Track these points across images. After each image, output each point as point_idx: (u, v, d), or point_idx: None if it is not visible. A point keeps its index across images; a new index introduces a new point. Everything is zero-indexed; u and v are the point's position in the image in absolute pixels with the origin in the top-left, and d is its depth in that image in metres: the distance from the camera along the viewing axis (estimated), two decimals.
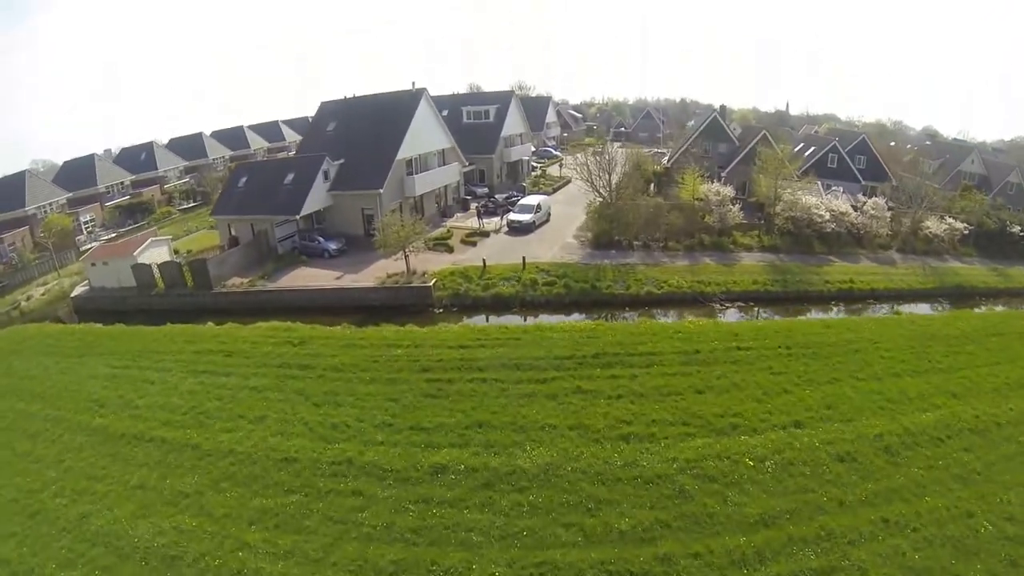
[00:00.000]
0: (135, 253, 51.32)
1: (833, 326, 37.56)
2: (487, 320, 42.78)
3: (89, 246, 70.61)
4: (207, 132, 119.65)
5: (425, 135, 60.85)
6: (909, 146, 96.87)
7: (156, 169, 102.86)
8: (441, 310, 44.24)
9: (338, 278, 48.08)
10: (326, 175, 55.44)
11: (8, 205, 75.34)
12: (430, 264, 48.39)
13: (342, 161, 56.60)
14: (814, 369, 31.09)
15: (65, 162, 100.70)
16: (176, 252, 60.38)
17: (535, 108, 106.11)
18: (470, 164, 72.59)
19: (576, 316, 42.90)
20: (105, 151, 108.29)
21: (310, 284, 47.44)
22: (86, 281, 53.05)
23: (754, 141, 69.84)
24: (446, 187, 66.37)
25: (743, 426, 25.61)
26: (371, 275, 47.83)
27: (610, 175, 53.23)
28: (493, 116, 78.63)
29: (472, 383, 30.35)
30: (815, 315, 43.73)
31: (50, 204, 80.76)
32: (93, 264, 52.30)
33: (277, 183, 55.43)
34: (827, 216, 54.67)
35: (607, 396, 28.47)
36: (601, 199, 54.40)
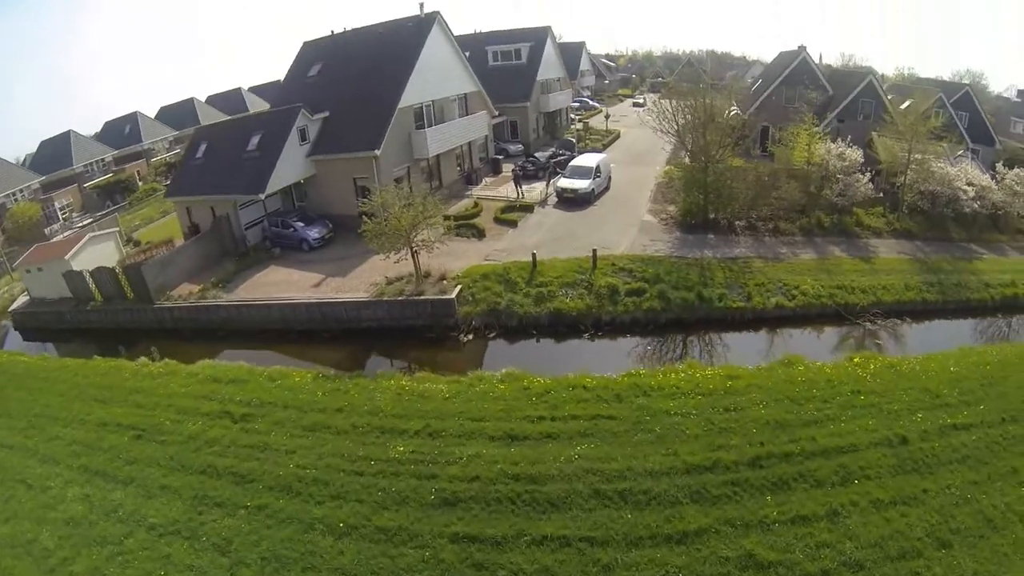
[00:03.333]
0: (67, 256, 36.41)
1: None
2: (538, 341, 27.20)
3: (60, 238, 54.85)
4: (201, 97, 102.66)
5: (440, 75, 42.93)
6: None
7: (141, 142, 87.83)
8: (470, 336, 27.42)
9: (317, 285, 31.45)
10: (303, 134, 38.14)
11: None
12: (451, 258, 31.37)
13: (326, 114, 39.26)
14: None
15: (41, 142, 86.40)
16: (137, 244, 45.62)
17: (567, 55, 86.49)
18: (499, 115, 54.57)
19: (677, 340, 27.26)
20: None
21: (278, 296, 30.84)
22: (27, 291, 38.69)
23: (857, 89, 51.07)
24: (470, 144, 48.22)
25: None
26: (365, 278, 31.17)
27: (705, 129, 35.06)
28: (526, 57, 60.15)
29: (542, 550, 14.79)
30: (978, 331, 29.84)
31: (20, 191, 69.93)
32: (28, 271, 37.76)
33: (239, 150, 38.38)
34: (971, 192, 38.17)
35: None
36: (691, 161, 36.51)
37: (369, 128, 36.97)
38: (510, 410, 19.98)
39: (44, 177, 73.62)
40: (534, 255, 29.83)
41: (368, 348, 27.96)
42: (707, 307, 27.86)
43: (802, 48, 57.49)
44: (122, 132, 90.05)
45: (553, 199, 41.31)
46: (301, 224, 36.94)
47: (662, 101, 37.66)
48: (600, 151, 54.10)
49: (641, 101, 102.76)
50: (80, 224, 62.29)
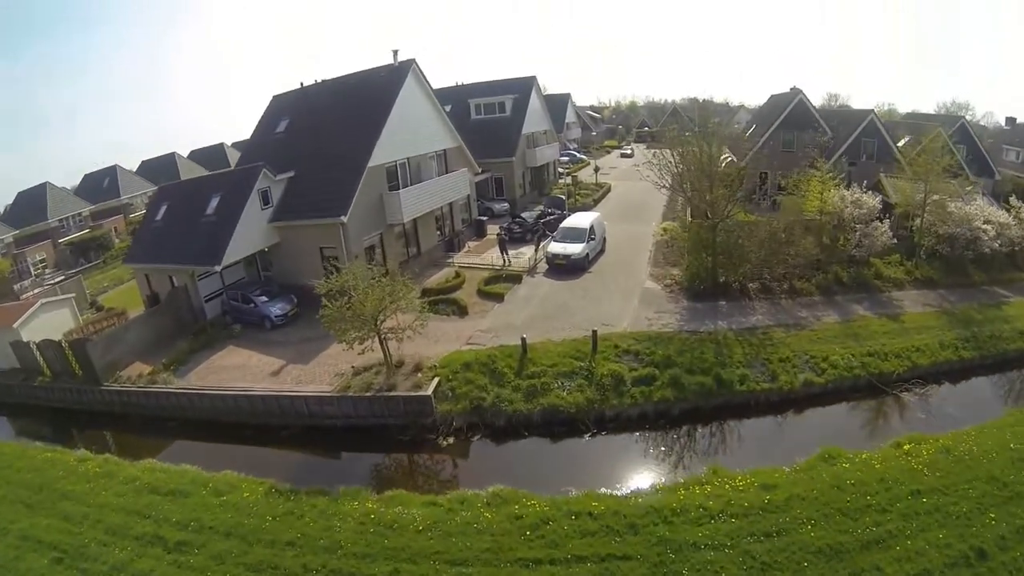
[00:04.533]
0: (16, 324, 32.82)
1: None
2: (529, 436, 22.88)
3: (31, 293, 50.79)
4: (183, 152, 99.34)
5: (416, 129, 38.73)
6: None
7: (119, 196, 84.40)
8: (451, 439, 22.90)
9: (276, 372, 27.12)
10: (265, 197, 34.11)
11: None
12: (428, 341, 26.88)
13: (291, 174, 35.31)
14: None
15: (18, 193, 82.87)
16: (100, 310, 41.93)
17: (553, 107, 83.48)
18: (483, 171, 50.88)
19: (695, 436, 22.88)
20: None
21: (232, 385, 26.54)
22: None
23: (859, 128, 48.21)
24: (451, 205, 43.82)
25: None
26: (329, 366, 26.96)
27: (712, 183, 31.31)
28: (510, 109, 56.81)
29: None
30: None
31: None
32: None
33: (198, 213, 34.46)
34: (991, 231, 34.68)
35: None
36: (694, 219, 33.20)
37: (336, 191, 32.90)
38: (499, 549, 15.88)
39: (18, 231, 70.36)
40: (523, 340, 25.49)
41: (331, 452, 23.82)
42: (727, 392, 23.77)
43: (798, 90, 54.60)
44: (100, 185, 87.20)
45: (543, 265, 37.23)
46: (263, 299, 32.67)
47: (663, 152, 33.79)
48: (591, 208, 50.67)
49: (628, 152, 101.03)
50: (51, 282, 58.33)
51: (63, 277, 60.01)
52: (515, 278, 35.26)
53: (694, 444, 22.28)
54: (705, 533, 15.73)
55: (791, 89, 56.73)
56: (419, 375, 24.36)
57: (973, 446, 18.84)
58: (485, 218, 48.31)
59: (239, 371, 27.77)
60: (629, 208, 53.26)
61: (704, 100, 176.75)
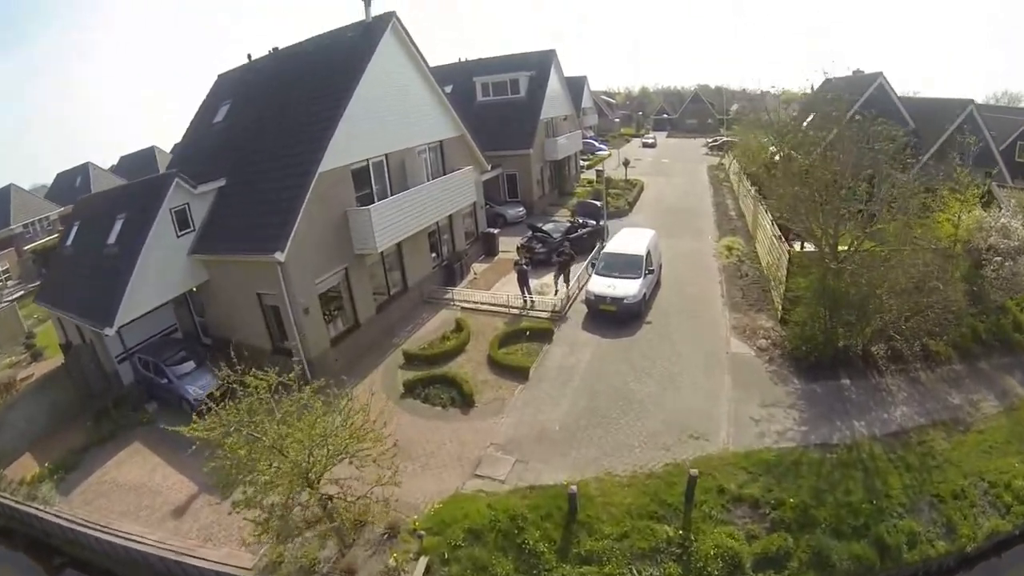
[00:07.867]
0: None
1: None
2: None
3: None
4: (165, 146, 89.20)
5: (399, 112, 27.08)
6: None
7: None
8: None
9: (180, 511, 17.07)
10: (182, 219, 23.21)
11: None
12: (409, 463, 16.53)
13: (221, 183, 24.20)
14: None
15: None
16: (30, 348, 33.40)
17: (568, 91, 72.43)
18: (492, 167, 39.19)
19: None
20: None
21: (118, 531, 16.61)
22: None
23: (956, 123, 35.86)
24: (451, 217, 31.95)
25: None
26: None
27: (839, 204, 20.46)
28: (525, 90, 45.61)
29: None
30: None
31: None
32: None
33: (101, 241, 24.07)
34: None
35: None
36: (810, 246, 23.12)
37: (271, 212, 21.89)
38: None
39: None
40: (572, 497, 14.55)
41: None
42: (892, 564, 14.01)
43: (875, 73, 43.22)
44: (72, 185, 79.34)
45: (578, 305, 26.46)
46: (182, 368, 22.20)
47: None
48: (627, 213, 40.37)
49: (651, 141, 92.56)
50: (11, 297, 49.62)
51: (22, 292, 51.63)
52: (543, 333, 24.14)
53: None
54: None
55: (854, 72, 45.74)
56: (394, 550, 13.97)
57: None
58: (496, 230, 36.80)
59: (134, 495, 17.97)
60: (671, 214, 42.58)
61: (715, 87, 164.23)
